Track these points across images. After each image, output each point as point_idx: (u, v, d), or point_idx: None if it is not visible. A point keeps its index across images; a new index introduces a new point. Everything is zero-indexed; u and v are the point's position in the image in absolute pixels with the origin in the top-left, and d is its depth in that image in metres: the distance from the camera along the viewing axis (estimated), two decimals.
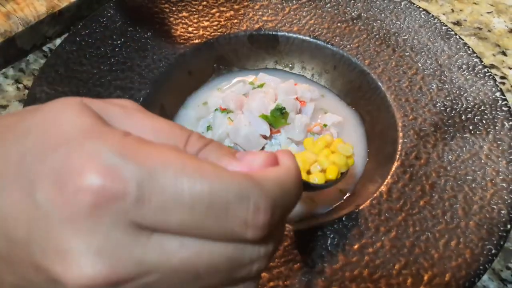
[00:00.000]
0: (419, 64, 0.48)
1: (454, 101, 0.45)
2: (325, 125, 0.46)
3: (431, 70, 0.47)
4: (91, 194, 0.16)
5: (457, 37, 0.50)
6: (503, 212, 0.37)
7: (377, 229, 0.37)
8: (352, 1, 0.53)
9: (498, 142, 0.42)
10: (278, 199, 0.18)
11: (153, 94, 0.45)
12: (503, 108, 0.44)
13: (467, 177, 0.40)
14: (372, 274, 0.34)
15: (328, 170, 0.36)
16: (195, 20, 0.51)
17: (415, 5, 0.53)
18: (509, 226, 0.36)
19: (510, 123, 0.43)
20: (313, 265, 0.34)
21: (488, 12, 0.66)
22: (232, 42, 0.51)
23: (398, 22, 0.51)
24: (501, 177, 0.39)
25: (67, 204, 0.16)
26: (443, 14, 0.66)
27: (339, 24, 0.51)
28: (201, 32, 0.50)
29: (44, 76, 0.44)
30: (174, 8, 0.51)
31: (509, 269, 0.42)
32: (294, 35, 0.51)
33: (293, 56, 0.52)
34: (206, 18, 0.51)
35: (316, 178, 0.37)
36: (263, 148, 0.45)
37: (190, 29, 0.50)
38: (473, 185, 0.39)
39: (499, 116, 0.43)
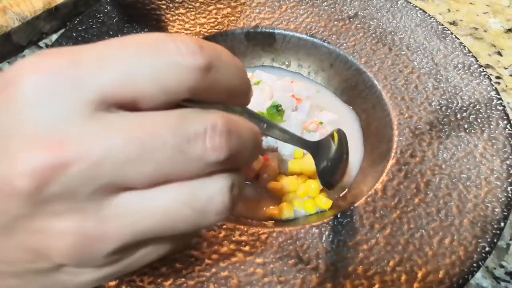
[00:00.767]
0: (415, 63, 0.48)
1: (449, 100, 0.45)
2: (321, 123, 0.47)
3: (427, 69, 0.47)
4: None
5: (453, 36, 0.50)
6: (497, 210, 0.37)
7: (371, 226, 0.37)
8: (349, 0, 0.53)
9: (493, 141, 0.42)
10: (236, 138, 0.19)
11: None
12: (498, 107, 0.44)
13: (462, 175, 0.40)
14: (366, 271, 0.34)
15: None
16: (192, 17, 0.51)
17: (411, 4, 0.53)
18: (502, 224, 0.37)
19: (505, 122, 0.43)
20: (307, 262, 0.34)
21: (484, 13, 0.66)
22: (229, 39, 0.51)
23: (395, 21, 0.51)
24: (495, 175, 0.39)
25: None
26: (440, 14, 0.66)
27: (335, 22, 0.52)
28: (198, 29, 0.50)
29: None
30: (171, 5, 0.51)
31: (502, 267, 0.42)
32: (291, 33, 0.51)
33: (290, 54, 0.52)
34: (203, 15, 0.51)
35: (303, 209, 0.42)
36: (265, 135, 0.45)
37: (187, 26, 0.50)
38: (468, 183, 0.39)
39: (494, 115, 0.43)
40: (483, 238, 0.36)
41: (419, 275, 0.34)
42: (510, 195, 0.38)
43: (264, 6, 0.52)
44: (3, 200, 0.17)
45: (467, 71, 0.47)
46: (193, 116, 0.18)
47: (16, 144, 0.17)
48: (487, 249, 0.35)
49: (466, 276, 0.34)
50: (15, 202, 0.17)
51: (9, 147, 0.17)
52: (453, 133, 0.43)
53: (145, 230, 0.18)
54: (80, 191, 0.17)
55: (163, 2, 0.51)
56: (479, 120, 0.43)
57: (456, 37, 0.50)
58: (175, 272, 0.33)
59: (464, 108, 0.44)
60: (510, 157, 0.40)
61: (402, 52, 0.49)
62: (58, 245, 0.18)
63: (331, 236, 0.36)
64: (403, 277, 0.34)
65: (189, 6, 0.51)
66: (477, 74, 0.46)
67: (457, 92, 0.45)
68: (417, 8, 0.52)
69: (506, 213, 0.37)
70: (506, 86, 0.58)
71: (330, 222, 0.37)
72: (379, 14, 0.52)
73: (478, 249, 0.35)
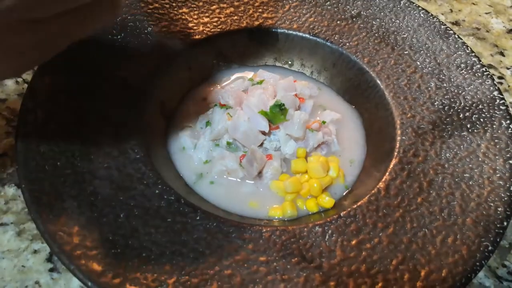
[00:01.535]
0: (418, 63, 0.48)
1: (452, 100, 0.45)
2: (323, 122, 0.47)
3: (429, 68, 0.47)
4: None
5: (456, 36, 0.50)
6: (499, 209, 0.37)
7: (374, 225, 0.37)
8: (352, 0, 0.53)
9: (496, 141, 0.42)
10: None
11: (153, 90, 0.45)
12: (501, 107, 0.44)
13: (465, 175, 0.40)
14: (369, 270, 0.34)
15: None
16: (195, 16, 0.51)
17: (414, 4, 0.53)
18: (505, 224, 0.37)
19: (508, 121, 0.43)
20: (311, 260, 0.35)
21: (486, 13, 0.66)
22: (232, 38, 0.51)
23: (398, 21, 0.52)
24: (498, 175, 0.40)
25: None
26: (442, 14, 0.66)
27: (338, 22, 0.52)
28: (201, 28, 0.50)
29: (44, 69, 0.44)
30: (174, 4, 0.51)
31: (505, 266, 0.42)
32: (294, 32, 0.51)
33: (293, 53, 0.52)
34: (206, 14, 0.51)
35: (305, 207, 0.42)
36: (262, 144, 0.45)
37: (190, 25, 0.50)
38: (471, 183, 0.39)
39: (496, 115, 0.44)
40: (486, 237, 0.36)
41: (422, 273, 0.34)
42: None
43: (267, 5, 0.53)
44: None
45: (469, 71, 0.47)
46: None
47: None
48: (490, 248, 0.35)
49: (469, 275, 0.34)
50: None
51: None
52: (456, 133, 0.43)
53: None
54: None
55: (166, 1, 0.51)
56: (481, 119, 0.43)
57: (458, 37, 0.50)
58: (179, 270, 0.33)
59: (467, 108, 0.44)
60: None
61: (405, 52, 0.49)
62: None
63: (334, 234, 0.36)
64: (406, 276, 0.34)
65: (192, 6, 0.51)
66: (479, 74, 0.47)
67: (460, 92, 0.45)
68: (420, 8, 0.52)
69: (509, 213, 0.37)
70: (509, 86, 0.58)
71: (333, 221, 0.37)
72: (382, 13, 0.52)
73: (481, 248, 0.35)
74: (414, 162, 0.41)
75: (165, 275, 0.33)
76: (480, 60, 0.48)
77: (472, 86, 0.46)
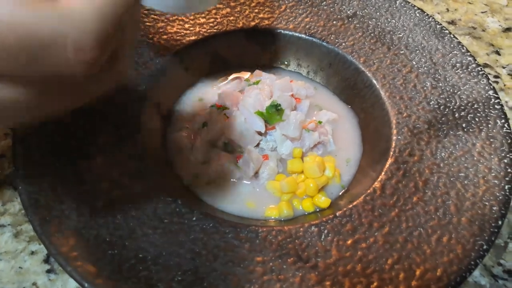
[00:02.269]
0: (414, 62, 0.48)
1: (447, 99, 0.45)
2: (320, 122, 0.47)
3: (425, 68, 0.48)
4: None
5: (451, 36, 0.50)
6: (494, 208, 0.38)
7: (370, 225, 0.37)
8: (348, 0, 0.54)
9: (491, 140, 0.42)
10: (104, 27, 0.16)
11: (149, 90, 0.45)
12: (496, 106, 0.44)
13: (460, 174, 0.40)
14: (365, 269, 0.34)
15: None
16: (192, 17, 0.51)
17: (410, 4, 0.53)
18: (500, 223, 0.37)
19: (503, 121, 0.43)
20: (306, 260, 0.35)
21: (482, 12, 0.67)
22: (228, 39, 0.51)
23: (393, 21, 0.52)
24: (493, 174, 0.40)
25: None
26: (438, 13, 0.66)
27: (334, 22, 0.52)
28: (197, 29, 0.50)
29: None
30: None
31: (500, 265, 0.43)
32: (290, 33, 0.51)
33: (289, 53, 0.53)
34: (203, 15, 0.51)
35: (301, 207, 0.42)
36: (258, 145, 0.45)
37: (186, 25, 0.50)
38: (466, 182, 0.39)
39: (491, 114, 0.44)
40: (481, 236, 0.36)
41: (417, 273, 0.34)
42: (507, 193, 0.38)
43: (263, 6, 0.53)
44: None
45: (465, 70, 0.47)
46: None
47: None
48: (485, 247, 0.36)
49: (464, 274, 0.34)
50: None
51: None
52: (451, 132, 0.43)
53: None
54: None
55: None
56: (477, 119, 0.44)
57: (454, 37, 0.50)
58: (176, 270, 0.33)
59: (462, 107, 0.44)
60: (508, 155, 0.41)
61: (401, 52, 0.49)
62: None
63: (330, 234, 0.36)
64: (401, 275, 0.34)
65: None
66: (475, 73, 0.47)
67: (455, 91, 0.46)
68: (416, 8, 0.53)
69: (503, 212, 0.37)
70: (504, 85, 0.58)
71: (329, 221, 0.37)
72: (378, 13, 0.52)
73: (476, 247, 0.35)
74: (410, 161, 0.41)
75: (161, 276, 0.33)
76: (475, 60, 0.48)
77: (467, 86, 0.46)
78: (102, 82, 0.19)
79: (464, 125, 0.43)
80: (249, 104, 0.45)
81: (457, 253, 0.35)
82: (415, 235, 0.36)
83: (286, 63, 0.53)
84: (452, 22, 0.65)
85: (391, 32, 0.51)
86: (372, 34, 0.51)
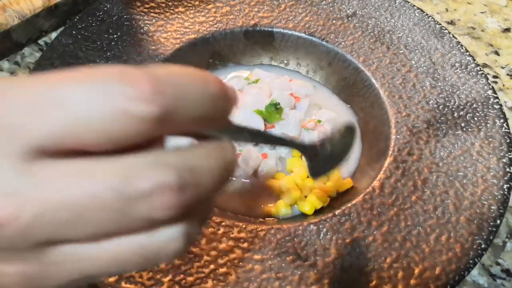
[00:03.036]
0: (413, 62, 0.48)
1: (446, 99, 0.45)
2: (319, 121, 0.47)
3: (424, 67, 0.48)
4: None
5: (451, 35, 0.50)
6: (493, 207, 0.38)
7: (369, 224, 0.37)
8: None
9: (489, 139, 0.42)
10: (192, 177, 0.16)
11: None
12: (495, 106, 0.44)
13: (459, 173, 0.40)
14: (363, 267, 0.34)
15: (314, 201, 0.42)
16: (191, 15, 0.51)
17: (409, 4, 0.53)
18: (498, 222, 0.37)
19: (501, 120, 0.43)
20: (305, 258, 0.35)
21: (481, 12, 0.67)
22: (227, 37, 0.51)
23: (393, 20, 0.52)
24: (491, 173, 0.40)
25: None
26: (437, 13, 0.66)
27: (334, 21, 0.52)
28: (197, 28, 0.50)
29: (40, 69, 0.44)
30: (170, 3, 0.51)
31: (498, 264, 0.43)
32: (290, 32, 0.51)
33: (288, 52, 0.53)
34: (202, 14, 0.51)
35: (306, 207, 0.41)
36: (257, 144, 0.45)
37: (186, 24, 0.50)
38: (464, 181, 0.40)
39: (490, 114, 0.44)
40: (479, 235, 0.36)
41: (416, 271, 0.34)
42: (506, 193, 0.39)
43: (263, 4, 0.53)
44: None
45: (464, 70, 0.47)
46: (141, 168, 0.16)
47: None
48: (483, 246, 0.36)
49: (462, 273, 0.34)
50: None
51: None
52: (450, 132, 0.43)
53: (93, 274, 0.17)
54: (16, 246, 0.16)
55: (163, 0, 0.51)
56: (476, 118, 0.44)
57: (453, 37, 0.50)
58: (174, 269, 0.33)
59: (461, 107, 0.45)
60: (507, 155, 0.41)
61: (400, 51, 0.49)
62: (6, 283, 0.17)
63: (328, 233, 0.36)
64: (400, 274, 0.34)
65: (188, 5, 0.52)
66: (474, 73, 0.47)
67: (455, 91, 0.46)
68: (415, 7, 0.53)
69: (502, 211, 0.38)
70: (503, 85, 0.58)
71: (327, 219, 0.37)
72: (377, 13, 0.52)
73: (474, 246, 0.36)
74: (409, 160, 0.41)
75: (160, 274, 0.33)
76: (474, 59, 0.48)
77: (466, 85, 0.46)
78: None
79: (463, 124, 0.43)
80: (249, 103, 0.45)
81: (455, 251, 0.35)
82: (414, 234, 0.36)
83: (285, 62, 0.53)
84: (451, 22, 0.65)
85: (390, 32, 0.51)
86: (371, 34, 0.51)
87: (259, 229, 0.36)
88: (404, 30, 0.51)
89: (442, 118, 0.44)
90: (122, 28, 0.49)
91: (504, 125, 0.43)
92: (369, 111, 0.47)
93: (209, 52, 0.51)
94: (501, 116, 0.44)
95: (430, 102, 0.45)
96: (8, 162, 0.15)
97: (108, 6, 0.50)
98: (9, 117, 0.15)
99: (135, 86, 0.15)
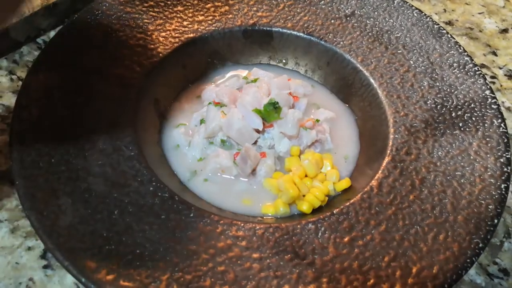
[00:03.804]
0: (411, 62, 0.48)
1: (444, 99, 0.45)
2: (317, 120, 0.47)
3: (422, 67, 0.48)
4: None
5: (449, 36, 0.50)
6: (490, 207, 0.38)
7: (367, 223, 0.37)
8: None
9: (487, 139, 0.42)
10: None
11: (147, 87, 0.45)
12: (493, 106, 0.45)
13: (456, 173, 0.40)
14: (361, 266, 0.34)
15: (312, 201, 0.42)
16: (190, 15, 0.51)
17: (408, 4, 0.53)
18: (496, 221, 0.37)
19: (499, 120, 0.43)
20: (303, 257, 0.35)
21: (479, 13, 0.67)
22: (226, 37, 0.51)
23: (391, 20, 0.52)
24: (489, 173, 0.40)
25: None
26: (436, 13, 0.66)
27: (332, 21, 0.52)
28: (195, 27, 0.50)
29: (38, 67, 0.44)
30: (169, 2, 0.51)
31: (496, 264, 0.43)
32: (288, 31, 0.51)
33: (287, 52, 0.53)
34: (201, 13, 0.51)
35: (304, 206, 0.41)
36: (256, 142, 0.45)
37: (185, 23, 0.50)
38: (462, 181, 0.40)
39: (488, 114, 0.44)
40: (477, 235, 0.36)
41: (414, 270, 0.34)
42: (503, 192, 0.39)
43: (261, 4, 0.53)
44: None
45: (462, 70, 0.47)
46: None
47: None
48: (480, 245, 0.36)
49: (459, 272, 0.34)
50: None
51: None
52: (448, 131, 0.43)
53: None
54: None
55: None
56: (473, 118, 0.44)
57: (451, 37, 0.50)
58: (172, 266, 0.33)
59: (459, 107, 0.45)
60: (504, 155, 0.41)
61: (398, 51, 0.49)
62: None
63: (327, 232, 0.36)
64: (398, 272, 0.34)
65: (187, 4, 0.52)
66: (472, 73, 0.47)
67: (452, 91, 0.46)
68: (413, 8, 0.53)
69: (499, 210, 0.38)
70: (501, 85, 0.58)
71: (326, 218, 0.37)
72: (376, 13, 0.52)
73: (472, 245, 0.36)
74: (407, 160, 0.41)
75: (158, 272, 0.33)
76: (472, 60, 0.48)
77: (464, 85, 0.46)
78: None
79: (461, 124, 0.43)
80: (247, 102, 0.45)
81: (453, 251, 0.35)
82: (412, 233, 0.36)
83: (284, 61, 0.53)
84: (449, 23, 0.65)
85: (388, 32, 0.51)
86: (370, 34, 0.51)
87: (258, 227, 0.36)
88: (403, 30, 0.51)
89: (440, 118, 0.44)
90: (121, 26, 0.49)
91: (502, 125, 0.43)
92: (367, 111, 0.47)
93: (208, 51, 0.51)
94: (499, 116, 0.44)
95: (428, 102, 0.45)
96: None
97: (107, 4, 0.50)
98: None
99: None
